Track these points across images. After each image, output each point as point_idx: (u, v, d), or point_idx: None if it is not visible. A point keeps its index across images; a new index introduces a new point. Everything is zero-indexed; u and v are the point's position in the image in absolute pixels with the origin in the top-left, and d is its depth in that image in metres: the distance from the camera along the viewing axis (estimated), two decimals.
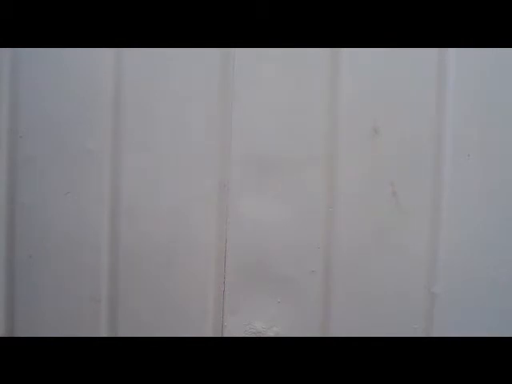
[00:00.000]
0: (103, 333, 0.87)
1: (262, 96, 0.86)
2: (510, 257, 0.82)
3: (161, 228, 0.88)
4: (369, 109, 0.84)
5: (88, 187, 0.89)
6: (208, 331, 0.84)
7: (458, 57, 0.82)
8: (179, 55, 0.86)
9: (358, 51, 0.82)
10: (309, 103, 0.85)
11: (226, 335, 0.82)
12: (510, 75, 0.82)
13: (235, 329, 0.83)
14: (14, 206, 0.91)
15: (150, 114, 0.88)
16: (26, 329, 0.91)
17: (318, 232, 0.83)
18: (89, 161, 0.89)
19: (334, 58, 0.84)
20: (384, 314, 0.80)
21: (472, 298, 0.81)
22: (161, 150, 0.88)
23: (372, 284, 0.82)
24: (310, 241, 0.78)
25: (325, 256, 0.82)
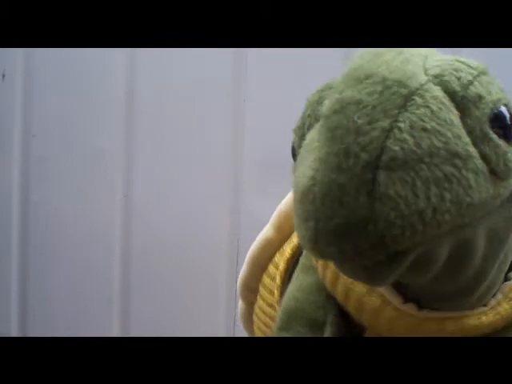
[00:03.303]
0: (115, 333, 0.87)
1: (274, 96, 0.85)
2: None
3: (173, 227, 0.88)
4: None
5: (100, 186, 0.89)
6: (220, 331, 0.84)
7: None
8: (191, 55, 0.85)
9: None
10: None
11: (238, 335, 0.82)
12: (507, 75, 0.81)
13: None
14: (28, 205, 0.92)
15: (163, 113, 0.88)
16: (39, 328, 0.92)
17: None
18: (101, 160, 0.89)
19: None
20: None
21: None
22: (173, 150, 0.88)
23: None
24: None
25: None
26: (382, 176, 0.25)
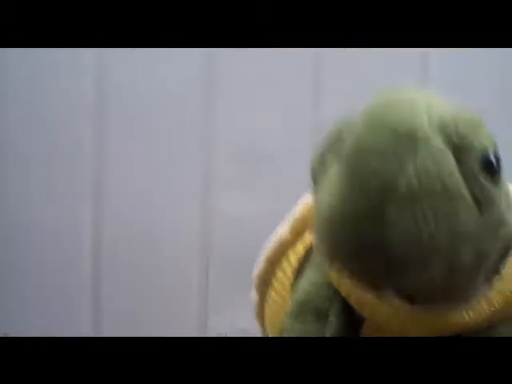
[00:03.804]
0: (86, 332, 0.87)
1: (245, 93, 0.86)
2: None
3: (144, 224, 0.87)
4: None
5: (72, 180, 0.88)
6: (192, 331, 0.84)
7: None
8: (162, 55, 0.85)
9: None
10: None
11: (209, 335, 0.82)
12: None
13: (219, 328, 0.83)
14: None
15: (133, 108, 0.87)
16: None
17: None
18: (73, 155, 0.88)
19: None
20: None
21: None
22: (145, 144, 0.87)
23: None
24: None
25: None
26: (391, 209, 0.33)
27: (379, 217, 0.33)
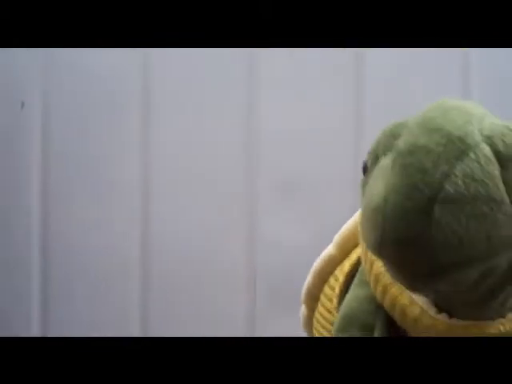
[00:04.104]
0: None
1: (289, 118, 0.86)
2: None
3: (191, 255, 0.88)
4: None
5: (119, 212, 0.90)
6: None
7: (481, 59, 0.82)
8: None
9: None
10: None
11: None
12: None
13: None
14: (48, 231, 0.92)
15: (177, 141, 0.89)
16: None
17: None
18: (119, 190, 0.90)
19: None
20: None
21: None
22: (190, 176, 0.89)
23: None
24: None
25: None
26: (437, 207, 0.35)
27: (426, 212, 0.35)
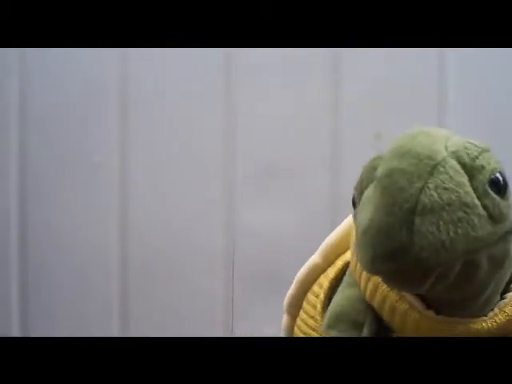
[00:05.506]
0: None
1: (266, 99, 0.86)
2: None
3: (168, 240, 0.89)
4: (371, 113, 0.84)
5: (96, 199, 0.90)
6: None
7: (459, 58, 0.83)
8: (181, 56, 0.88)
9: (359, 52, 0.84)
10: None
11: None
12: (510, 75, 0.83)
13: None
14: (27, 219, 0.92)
15: (156, 124, 0.89)
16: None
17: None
18: (97, 173, 0.90)
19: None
20: None
21: None
22: (167, 161, 0.89)
23: None
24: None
25: None
26: (417, 218, 0.39)
27: (408, 225, 0.38)
